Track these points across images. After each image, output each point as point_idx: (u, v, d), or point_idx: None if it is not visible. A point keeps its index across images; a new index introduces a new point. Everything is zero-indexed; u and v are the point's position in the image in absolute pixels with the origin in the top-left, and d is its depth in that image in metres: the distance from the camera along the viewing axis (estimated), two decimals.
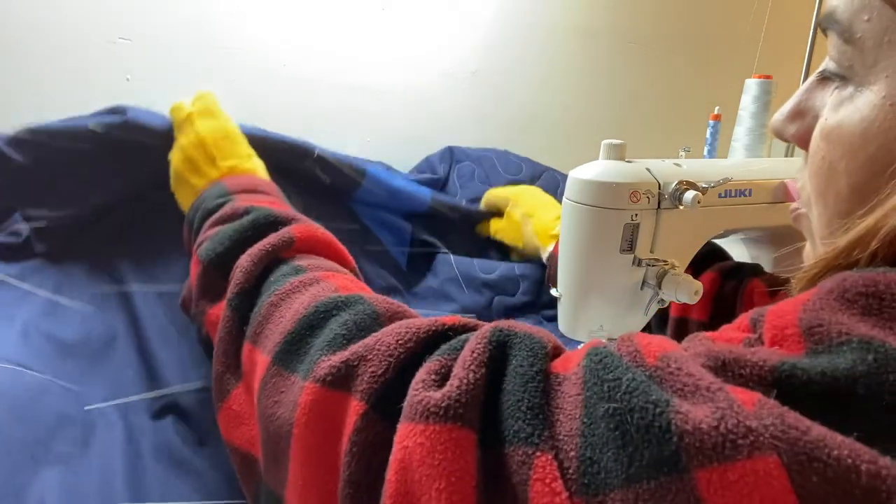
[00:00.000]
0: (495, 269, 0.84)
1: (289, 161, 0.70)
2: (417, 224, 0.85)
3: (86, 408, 0.49)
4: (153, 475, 0.46)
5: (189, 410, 0.50)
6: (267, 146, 0.65)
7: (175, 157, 0.58)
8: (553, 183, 0.99)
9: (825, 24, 0.32)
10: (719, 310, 0.61)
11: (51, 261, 0.58)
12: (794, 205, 0.41)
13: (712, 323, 0.61)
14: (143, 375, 0.54)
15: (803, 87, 0.36)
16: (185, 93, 0.82)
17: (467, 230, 0.91)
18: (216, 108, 0.60)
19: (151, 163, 0.61)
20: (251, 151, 0.60)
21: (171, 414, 0.50)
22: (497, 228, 0.88)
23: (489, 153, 1.00)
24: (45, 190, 0.59)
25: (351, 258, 0.48)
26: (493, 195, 0.90)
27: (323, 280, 0.39)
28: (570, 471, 0.22)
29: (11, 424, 0.42)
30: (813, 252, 0.38)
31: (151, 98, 0.80)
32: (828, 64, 0.32)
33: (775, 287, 0.56)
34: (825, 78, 0.33)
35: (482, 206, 0.91)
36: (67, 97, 0.76)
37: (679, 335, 0.63)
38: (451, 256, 0.84)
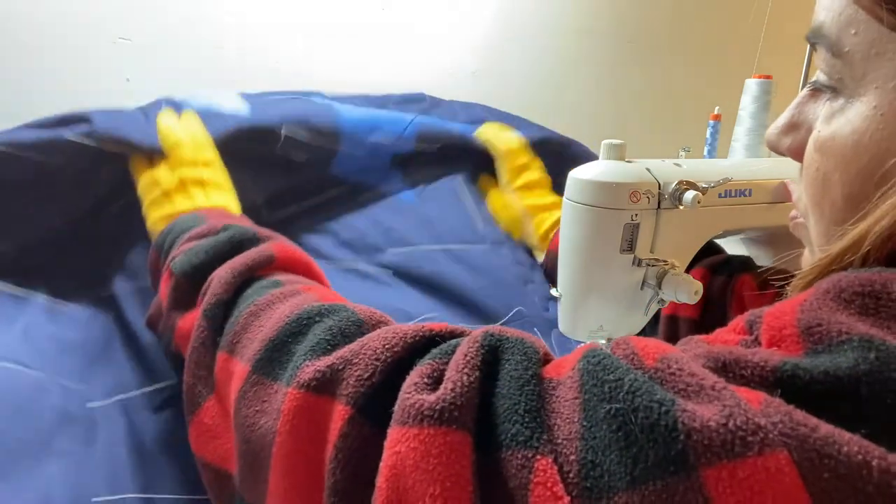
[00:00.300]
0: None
1: (258, 150, 0.67)
2: (406, 168, 0.79)
3: (88, 405, 0.49)
4: (159, 465, 0.46)
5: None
6: (229, 140, 0.63)
7: (167, 177, 0.57)
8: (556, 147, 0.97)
9: (813, 38, 0.32)
10: (709, 306, 0.61)
11: (41, 271, 0.58)
12: (792, 213, 0.41)
13: (703, 321, 0.60)
14: (141, 373, 0.54)
15: (796, 100, 0.36)
16: (184, 93, 0.83)
17: (472, 156, 0.84)
18: (216, 158, 0.61)
19: (121, 169, 0.61)
20: (237, 203, 0.60)
21: (170, 408, 0.50)
22: (494, 207, 0.81)
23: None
24: (21, 206, 0.58)
25: (326, 280, 0.47)
26: (491, 140, 0.81)
27: (304, 292, 0.38)
28: (571, 475, 0.22)
29: (12, 422, 0.42)
30: (811, 259, 0.38)
31: (151, 98, 0.81)
32: (819, 76, 0.33)
33: (765, 283, 0.56)
34: (816, 90, 0.34)
35: (476, 136, 0.80)
36: (67, 97, 0.76)
37: (670, 332, 0.63)
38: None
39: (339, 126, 0.71)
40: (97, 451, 0.46)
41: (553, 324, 0.68)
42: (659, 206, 0.52)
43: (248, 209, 0.69)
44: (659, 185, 0.52)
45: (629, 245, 0.52)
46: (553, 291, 0.58)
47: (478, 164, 0.85)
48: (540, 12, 1.10)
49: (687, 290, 0.50)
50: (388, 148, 0.75)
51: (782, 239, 0.73)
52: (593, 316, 0.55)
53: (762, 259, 0.75)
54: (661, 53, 1.26)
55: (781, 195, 0.60)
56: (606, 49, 1.19)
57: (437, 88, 1.03)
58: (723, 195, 0.56)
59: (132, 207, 0.62)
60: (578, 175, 0.52)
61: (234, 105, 0.75)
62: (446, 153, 0.81)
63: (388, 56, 0.97)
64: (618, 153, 0.53)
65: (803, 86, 1.03)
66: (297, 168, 0.71)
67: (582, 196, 0.52)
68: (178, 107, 0.71)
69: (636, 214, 0.51)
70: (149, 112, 0.66)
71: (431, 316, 0.64)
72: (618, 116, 1.25)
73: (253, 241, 0.44)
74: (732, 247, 0.78)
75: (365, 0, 0.93)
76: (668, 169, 0.54)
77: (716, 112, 0.92)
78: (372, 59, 0.96)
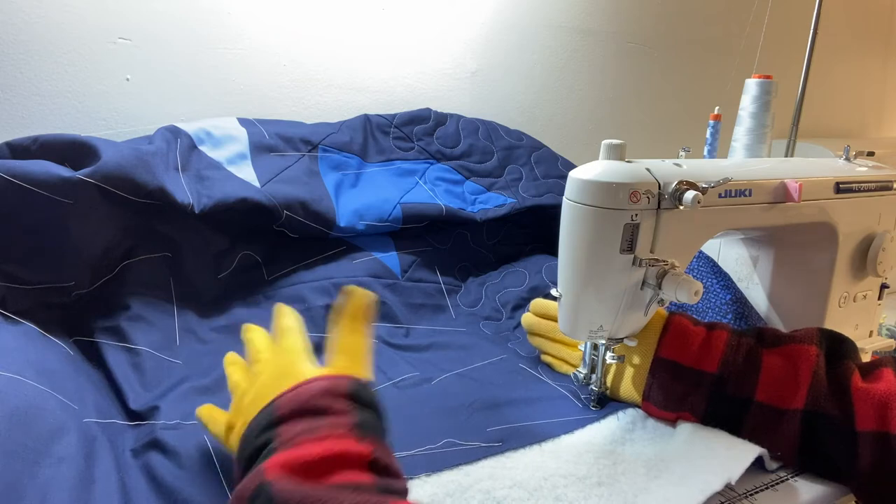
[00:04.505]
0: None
1: (261, 224, 0.75)
2: (396, 240, 0.85)
3: (84, 420, 0.49)
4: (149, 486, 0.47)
5: (168, 446, 0.50)
6: (235, 205, 0.71)
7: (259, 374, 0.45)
8: (552, 157, 1.00)
9: None
10: (728, 365, 0.54)
11: (27, 317, 0.58)
12: None
13: (722, 375, 0.54)
14: (123, 413, 0.56)
15: None
16: (184, 93, 0.83)
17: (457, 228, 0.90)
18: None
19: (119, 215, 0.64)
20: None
21: (154, 450, 0.50)
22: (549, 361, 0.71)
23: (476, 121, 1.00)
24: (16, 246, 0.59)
25: None
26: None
27: None
28: None
29: (12, 428, 0.42)
30: None
31: (151, 98, 0.81)
32: None
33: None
34: None
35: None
36: (67, 97, 0.76)
37: (673, 378, 0.56)
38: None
39: (336, 213, 0.79)
40: (96, 458, 0.46)
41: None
42: (659, 206, 0.52)
43: (249, 266, 0.76)
44: (659, 185, 0.52)
45: (629, 245, 0.52)
46: (553, 291, 0.58)
47: (463, 237, 0.91)
48: (539, 12, 1.10)
49: (687, 290, 0.50)
50: (378, 227, 0.82)
51: (782, 239, 0.73)
52: (593, 316, 0.55)
53: (762, 259, 0.75)
54: (661, 53, 1.26)
55: (781, 195, 0.60)
56: (606, 49, 1.19)
57: (437, 89, 1.03)
58: (723, 195, 0.56)
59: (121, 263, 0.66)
60: (578, 175, 0.52)
61: (232, 131, 0.78)
62: (432, 226, 0.87)
63: (387, 56, 0.97)
64: (618, 153, 0.53)
65: (803, 86, 1.03)
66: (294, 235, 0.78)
67: (582, 196, 0.52)
68: (178, 134, 0.73)
69: (636, 214, 0.51)
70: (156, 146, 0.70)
71: (412, 375, 0.66)
72: (618, 116, 1.25)
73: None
74: (732, 247, 0.78)
75: (365, 0, 0.93)
76: (668, 169, 0.54)
77: (716, 112, 0.92)
78: (372, 59, 0.96)
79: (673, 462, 0.50)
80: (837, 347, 0.54)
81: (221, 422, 0.45)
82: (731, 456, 0.48)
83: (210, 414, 0.47)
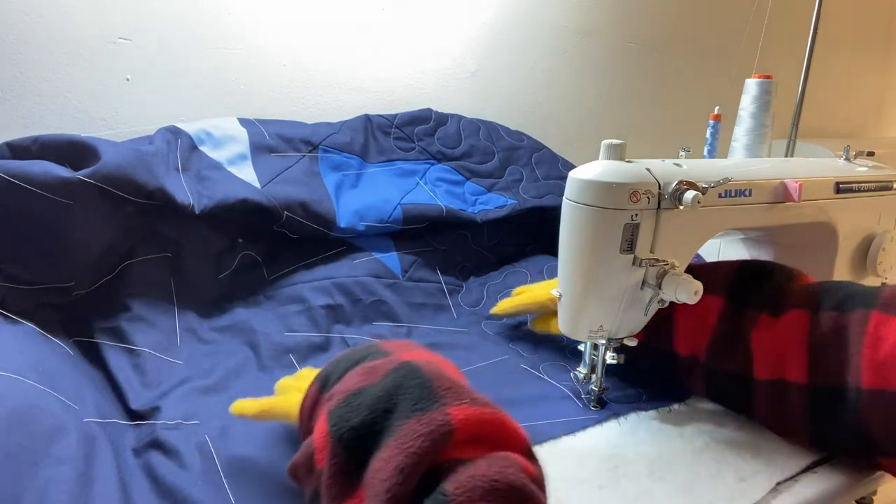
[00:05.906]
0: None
1: (262, 224, 0.75)
2: (397, 241, 0.85)
3: (84, 419, 0.49)
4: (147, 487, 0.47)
5: (169, 446, 0.50)
6: (236, 206, 0.71)
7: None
8: (553, 159, 1.01)
9: None
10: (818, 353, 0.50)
11: (27, 317, 0.58)
12: None
13: (815, 371, 0.49)
14: (124, 413, 0.56)
15: None
16: (185, 93, 0.83)
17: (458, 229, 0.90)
18: None
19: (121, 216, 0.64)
20: None
21: (154, 450, 0.50)
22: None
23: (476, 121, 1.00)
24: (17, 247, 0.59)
25: (523, 434, 0.37)
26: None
27: None
28: None
29: (12, 429, 0.42)
30: None
31: (151, 98, 0.81)
32: None
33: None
34: None
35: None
36: (67, 97, 0.76)
37: (778, 398, 0.52)
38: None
39: (336, 214, 0.79)
40: (96, 459, 0.46)
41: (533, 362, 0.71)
42: (659, 206, 0.52)
43: (249, 265, 0.75)
44: (659, 185, 0.52)
45: (629, 245, 0.52)
46: (553, 291, 0.58)
47: (463, 238, 0.90)
48: (539, 12, 1.10)
49: (687, 290, 0.50)
50: (378, 228, 0.82)
51: (782, 239, 0.73)
52: (593, 316, 0.55)
53: (762, 259, 0.75)
54: (662, 53, 1.26)
55: (781, 195, 0.60)
56: (606, 49, 1.19)
57: (438, 89, 1.03)
58: (723, 195, 0.56)
59: (121, 262, 0.66)
60: (578, 175, 0.52)
61: (232, 131, 0.79)
62: (433, 227, 0.86)
63: (388, 56, 0.97)
64: (618, 153, 0.53)
65: (803, 86, 1.03)
66: (295, 234, 0.78)
67: (582, 196, 0.52)
68: (178, 135, 0.73)
69: (636, 214, 0.51)
70: (156, 147, 0.70)
71: None
72: (618, 116, 1.25)
73: (422, 401, 0.36)
74: (732, 247, 0.78)
75: (365, 0, 0.93)
76: (668, 169, 0.54)
77: (716, 112, 0.92)
78: (372, 60, 0.96)
79: (677, 464, 0.50)
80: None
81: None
82: (739, 490, 0.48)
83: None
